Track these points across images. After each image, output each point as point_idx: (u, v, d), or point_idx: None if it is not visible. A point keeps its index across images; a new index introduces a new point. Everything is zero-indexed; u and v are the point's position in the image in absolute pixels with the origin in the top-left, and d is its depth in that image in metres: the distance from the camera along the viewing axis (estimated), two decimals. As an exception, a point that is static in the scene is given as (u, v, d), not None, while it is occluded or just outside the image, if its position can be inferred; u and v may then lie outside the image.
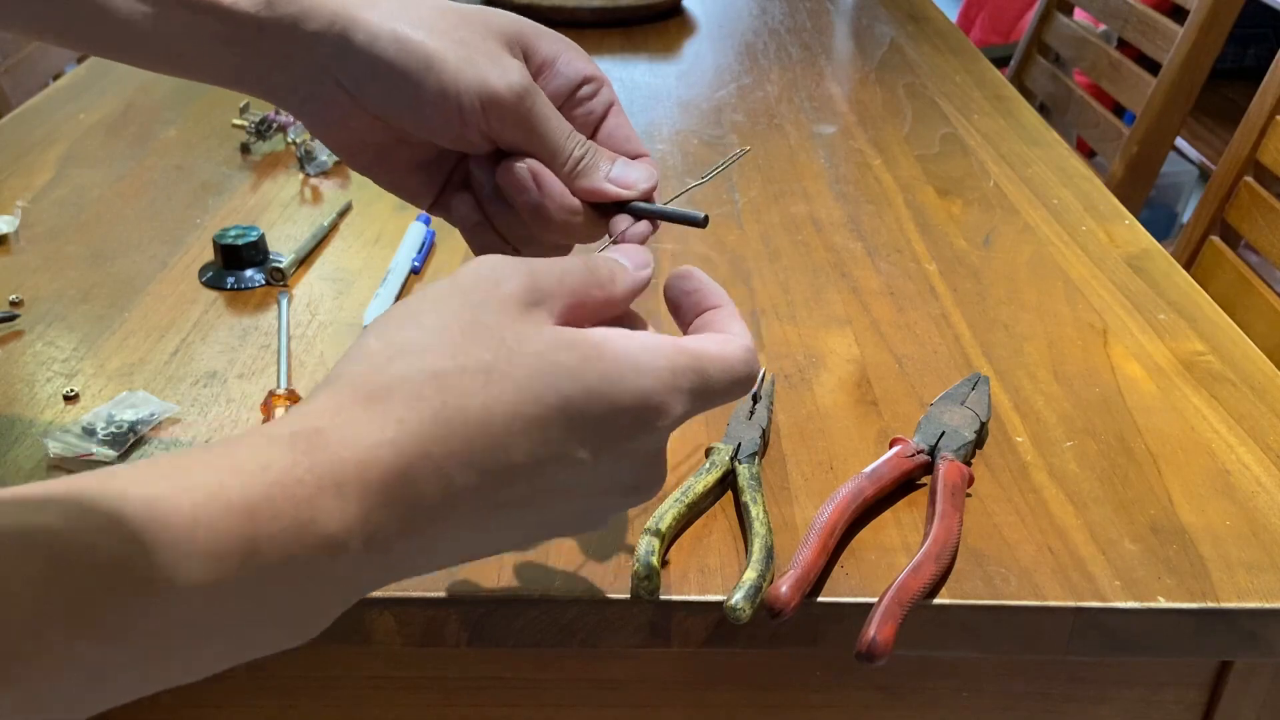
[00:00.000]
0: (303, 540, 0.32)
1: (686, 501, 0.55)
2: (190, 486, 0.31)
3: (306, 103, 0.49)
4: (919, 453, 0.59)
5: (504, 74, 0.47)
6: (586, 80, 0.51)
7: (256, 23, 0.47)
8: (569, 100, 0.51)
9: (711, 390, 0.39)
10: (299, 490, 0.32)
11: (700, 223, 0.49)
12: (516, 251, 0.52)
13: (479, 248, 0.53)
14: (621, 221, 0.49)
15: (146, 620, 0.30)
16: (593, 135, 0.51)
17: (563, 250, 0.52)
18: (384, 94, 0.47)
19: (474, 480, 0.35)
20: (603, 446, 0.37)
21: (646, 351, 0.38)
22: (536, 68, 0.50)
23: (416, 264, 0.81)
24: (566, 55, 0.51)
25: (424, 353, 0.36)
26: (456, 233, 0.87)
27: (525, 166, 0.48)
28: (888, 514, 0.57)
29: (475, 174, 0.51)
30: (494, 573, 0.53)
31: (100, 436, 0.62)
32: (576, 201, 0.49)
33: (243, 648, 0.33)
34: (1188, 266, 1.13)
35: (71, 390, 0.66)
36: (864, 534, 0.56)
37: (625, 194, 0.49)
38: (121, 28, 0.48)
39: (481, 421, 0.35)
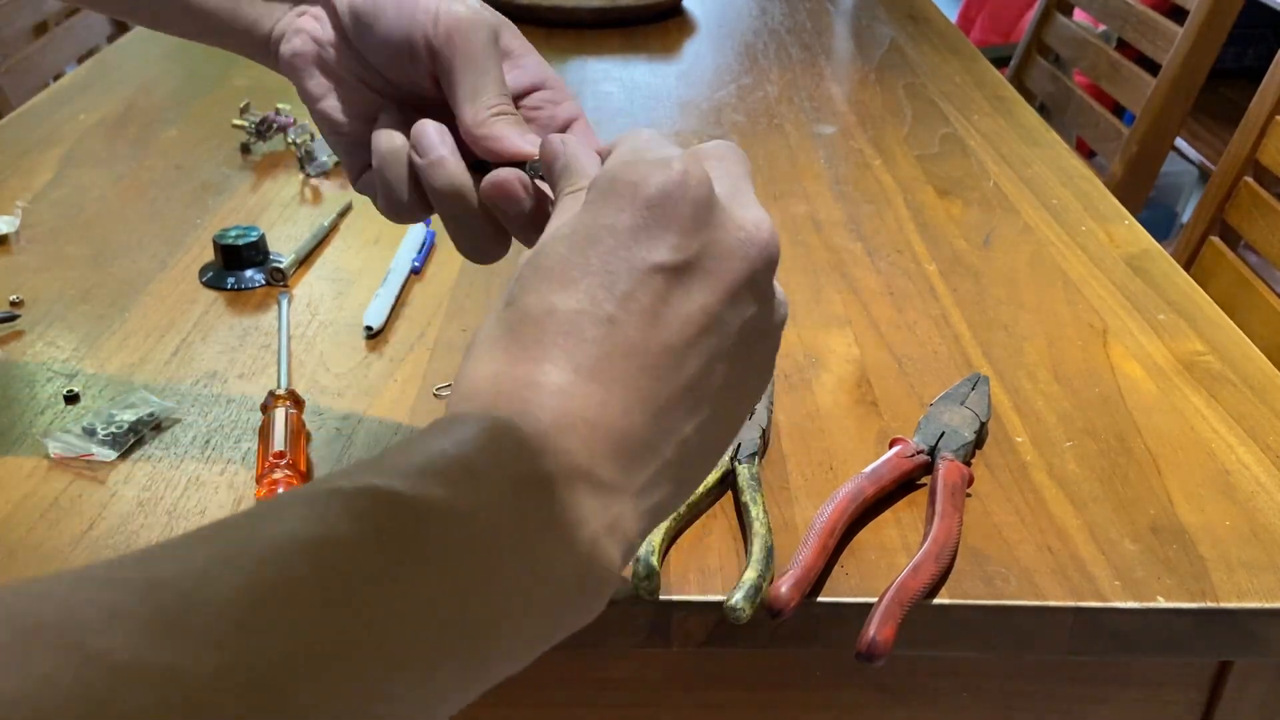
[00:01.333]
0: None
1: (686, 502, 0.55)
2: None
3: (297, 61, 0.51)
4: (919, 453, 0.59)
5: (477, 7, 0.47)
6: (547, 85, 0.50)
7: None
8: (526, 96, 0.50)
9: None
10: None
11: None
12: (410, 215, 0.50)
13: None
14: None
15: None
16: None
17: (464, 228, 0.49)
18: (365, 30, 0.48)
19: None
20: (669, 227, 0.36)
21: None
22: (501, 53, 0.49)
23: (416, 264, 0.81)
24: (534, 57, 0.50)
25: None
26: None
27: (508, 178, 0.46)
28: (888, 514, 0.58)
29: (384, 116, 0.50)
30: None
31: (100, 436, 0.62)
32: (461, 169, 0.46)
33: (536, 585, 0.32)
34: (1187, 267, 1.13)
35: (72, 390, 0.66)
36: (864, 534, 0.56)
37: (527, 148, 0.46)
38: None
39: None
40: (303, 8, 0.51)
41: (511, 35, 0.50)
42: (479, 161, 0.47)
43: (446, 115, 0.48)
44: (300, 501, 0.28)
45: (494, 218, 0.47)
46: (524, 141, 0.46)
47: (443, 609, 0.29)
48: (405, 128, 0.48)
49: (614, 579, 0.34)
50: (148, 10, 0.53)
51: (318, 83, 0.51)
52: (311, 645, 0.25)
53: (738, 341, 0.37)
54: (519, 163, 0.46)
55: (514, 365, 0.35)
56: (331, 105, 0.51)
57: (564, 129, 0.50)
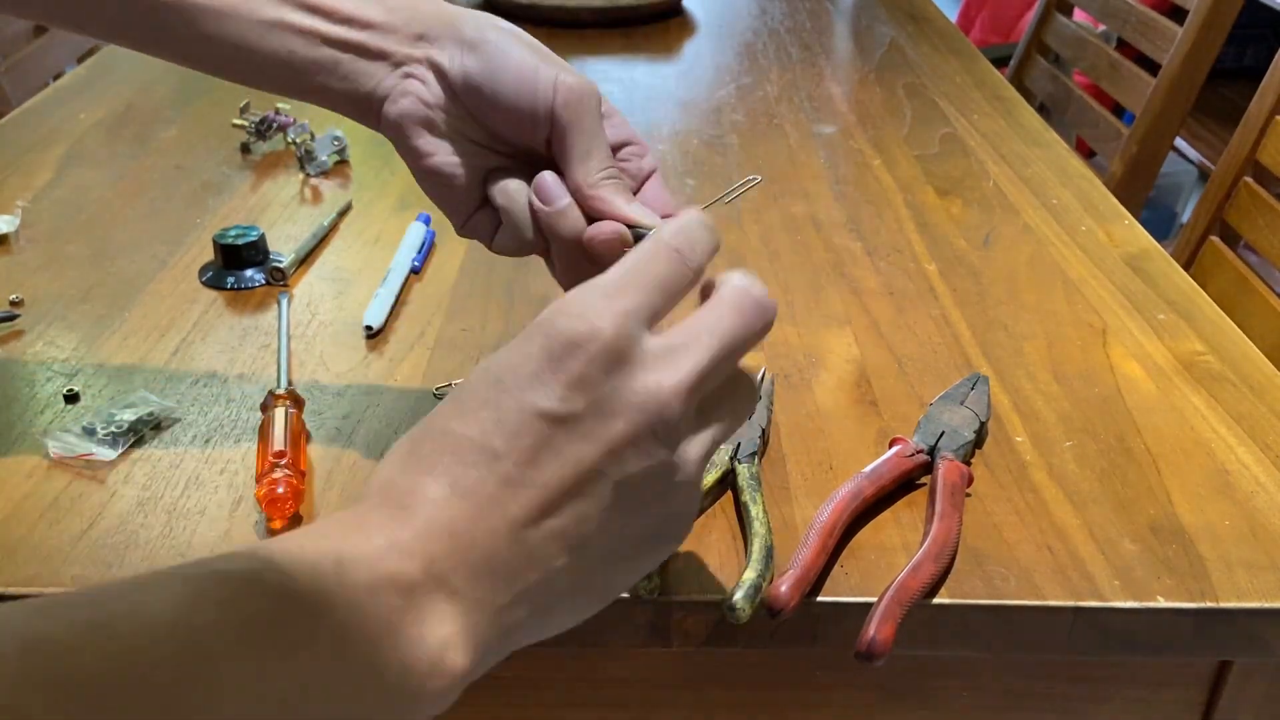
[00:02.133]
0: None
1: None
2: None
3: (404, 128, 0.54)
4: (918, 452, 0.59)
5: (574, 73, 0.52)
6: (630, 142, 0.55)
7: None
8: (616, 152, 0.54)
9: (642, 286, 0.40)
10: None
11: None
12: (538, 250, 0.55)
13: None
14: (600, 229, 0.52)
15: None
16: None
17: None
18: (482, 99, 0.52)
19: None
20: (568, 386, 0.38)
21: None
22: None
23: (416, 264, 0.81)
24: (620, 117, 0.55)
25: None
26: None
27: (614, 231, 0.51)
28: (887, 514, 0.58)
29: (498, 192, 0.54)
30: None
31: (100, 436, 0.62)
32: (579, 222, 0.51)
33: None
34: (1187, 267, 1.13)
35: (71, 390, 0.66)
36: (864, 534, 0.56)
37: (637, 218, 0.51)
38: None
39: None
40: (407, 69, 0.53)
41: (604, 99, 0.54)
42: None
43: (549, 165, 0.53)
44: (179, 580, 0.31)
45: (590, 255, 0.52)
46: (627, 207, 0.51)
47: (290, 699, 0.31)
48: (514, 176, 0.53)
49: (457, 685, 0.37)
50: (242, 67, 0.54)
51: (426, 141, 0.54)
52: None
53: (621, 496, 0.39)
54: None
55: (404, 474, 0.38)
56: (441, 162, 0.54)
57: (644, 181, 0.55)
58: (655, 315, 0.40)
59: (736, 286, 0.42)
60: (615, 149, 0.54)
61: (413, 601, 0.35)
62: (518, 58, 0.51)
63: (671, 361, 0.39)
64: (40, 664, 0.27)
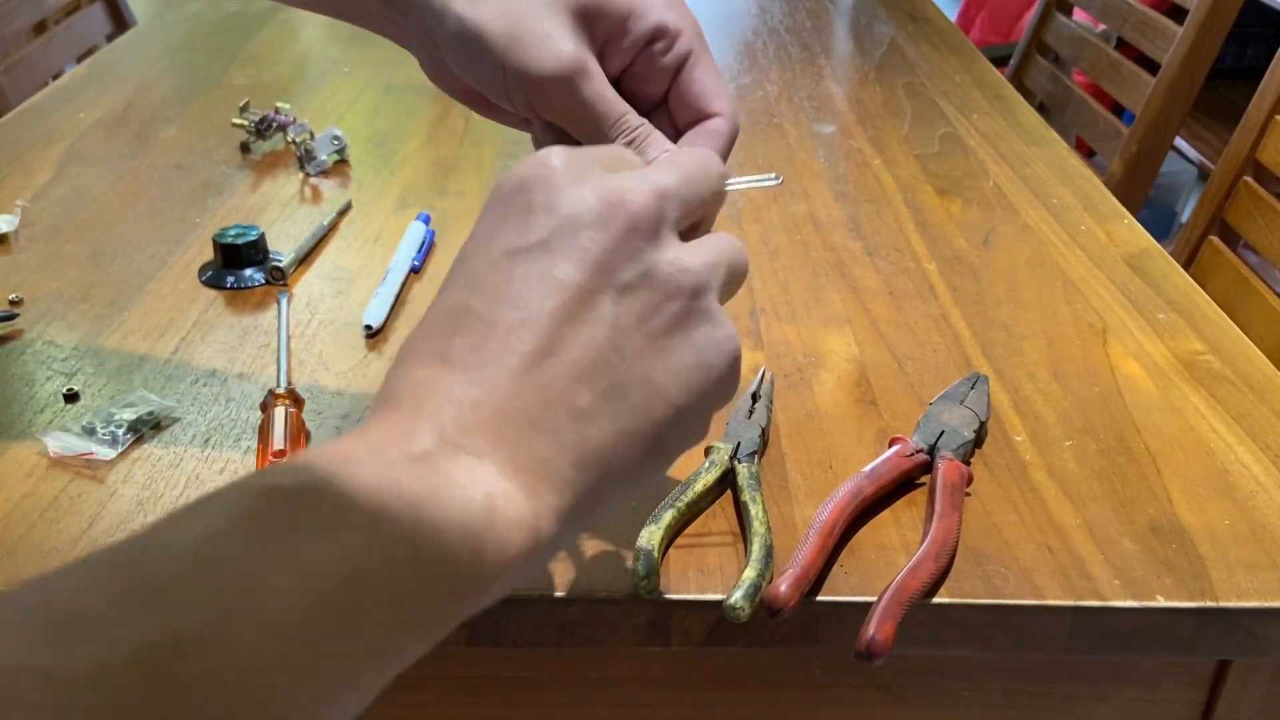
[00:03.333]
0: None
1: (686, 501, 0.55)
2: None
3: (420, 54, 0.52)
4: (918, 452, 0.59)
5: (550, 57, 0.47)
6: (659, 34, 0.49)
7: None
8: (644, 54, 0.50)
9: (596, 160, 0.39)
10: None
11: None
12: None
13: None
14: None
15: None
16: (670, 86, 0.50)
17: None
18: (458, 65, 0.49)
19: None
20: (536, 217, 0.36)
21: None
22: (607, 31, 0.49)
23: (416, 263, 0.81)
24: (639, 9, 0.49)
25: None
26: (456, 232, 0.87)
27: None
28: (887, 513, 0.58)
29: (536, 137, 0.52)
30: (494, 572, 0.53)
31: (100, 435, 0.62)
32: None
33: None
34: (1187, 266, 1.13)
35: (71, 389, 0.66)
36: (863, 533, 0.56)
37: None
38: None
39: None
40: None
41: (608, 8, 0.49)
42: None
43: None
44: (185, 509, 0.30)
45: None
46: None
47: (326, 578, 0.29)
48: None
49: (532, 537, 0.34)
50: None
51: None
52: (193, 624, 0.26)
53: (626, 313, 0.36)
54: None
55: (391, 378, 0.36)
56: (447, 89, 0.52)
57: (680, 68, 0.50)
58: (607, 165, 0.39)
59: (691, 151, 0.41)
60: (644, 46, 0.49)
61: (436, 467, 0.32)
62: (488, 65, 0.48)
63: (635, 175, 0.38)
64: (53, 619, 0.25)
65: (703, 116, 0.50)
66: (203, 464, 0.61)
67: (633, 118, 0.49)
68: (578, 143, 0.48)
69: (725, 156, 0.49)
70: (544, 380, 0.35)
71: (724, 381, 0.38)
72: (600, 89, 0.48)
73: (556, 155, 0.37)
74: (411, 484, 0.32)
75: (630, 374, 0.36)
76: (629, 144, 0.48)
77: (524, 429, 0.34)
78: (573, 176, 0.37)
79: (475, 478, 0.33)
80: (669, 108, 0.51)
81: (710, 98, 0.50)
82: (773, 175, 0.50)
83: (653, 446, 0.37)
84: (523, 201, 0.37)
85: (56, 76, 1.47)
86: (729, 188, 0.51)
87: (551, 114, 0.49)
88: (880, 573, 0.53)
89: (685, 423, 0.38)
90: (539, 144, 0.51)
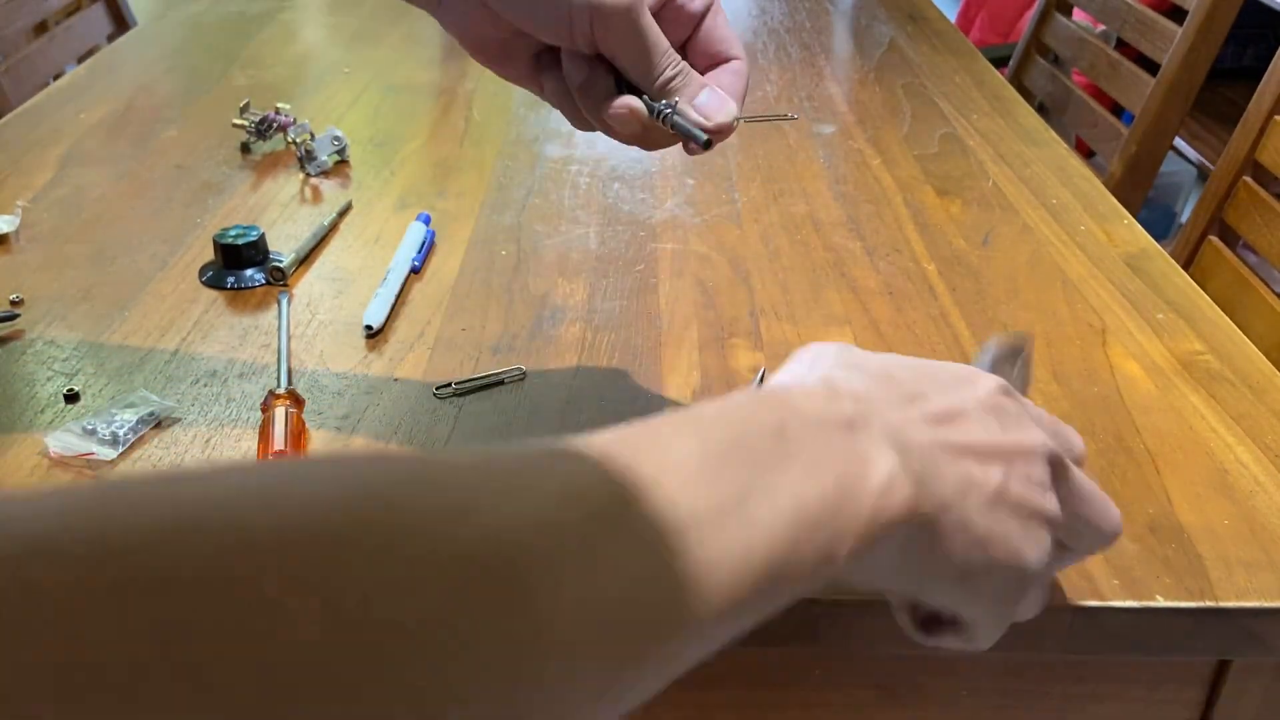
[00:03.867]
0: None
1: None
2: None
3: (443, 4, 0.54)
4: None
5: None
6: None
7: None
8: (673, 2, 0.53)
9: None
10: None
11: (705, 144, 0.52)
12: (592, 128, 0.56)
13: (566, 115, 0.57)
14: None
15: None
16: (691, 34, 0.55)
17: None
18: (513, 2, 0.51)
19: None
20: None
21: None
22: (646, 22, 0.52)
23: (416, 263, 0.81)
24: None
25: None
26: (456, 232, 0.88)
27: (624, 105, 0.52)
28: (887, 513, 0.58)
29: (569, 70, 0.54)
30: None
31: (100, 436, 0.62)
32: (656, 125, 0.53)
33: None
34: (1186, 266, 1.13)
35: (72, 390, 0.66)
36: (863, 533, 0.56)
37: (703, 123, 0.51)
38: None
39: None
40: None
41: None
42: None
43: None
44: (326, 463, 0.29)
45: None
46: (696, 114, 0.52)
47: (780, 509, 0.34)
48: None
49: (904, 517, 0.37)
50: None
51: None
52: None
53: (1003, 490, 0.41)
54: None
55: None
56: (469, 39, 0.54)
57: (699, 20, 0.54)
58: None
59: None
60: None
61: (855, 437, 0.37)
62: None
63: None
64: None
65: (719, 61, 0.55)
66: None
67: (674, 54, 0.52)
68: (615, 82, 0.52)
69: (743, 97, 0.54)
70: (939, 439, 0.40)
71: (1023, 581, 0.42)
72: (653, 22, 0.52)
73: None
74: (842, 445, 0.37)
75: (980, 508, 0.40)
76: (673, 76, 0.52)
77: (909, 446, 0.39)
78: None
79: (882, 455, 0.37)
80: (686, 52, 0.54)
81: (730, 44, 0.55)
82: (790, 114, 0.55)
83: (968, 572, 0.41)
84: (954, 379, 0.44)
85: (57, 77, 1.47)
86: (744, 121, 0.55)
87: (610, 45, 0.51)
88: (880, 572, 0.53)
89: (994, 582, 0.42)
90: (573, 80, 0.53)
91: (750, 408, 0.37)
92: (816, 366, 0.42)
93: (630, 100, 0.52)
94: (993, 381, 0.44)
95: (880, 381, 0.41)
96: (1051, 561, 0.43)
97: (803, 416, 0.37)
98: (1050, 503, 0.42)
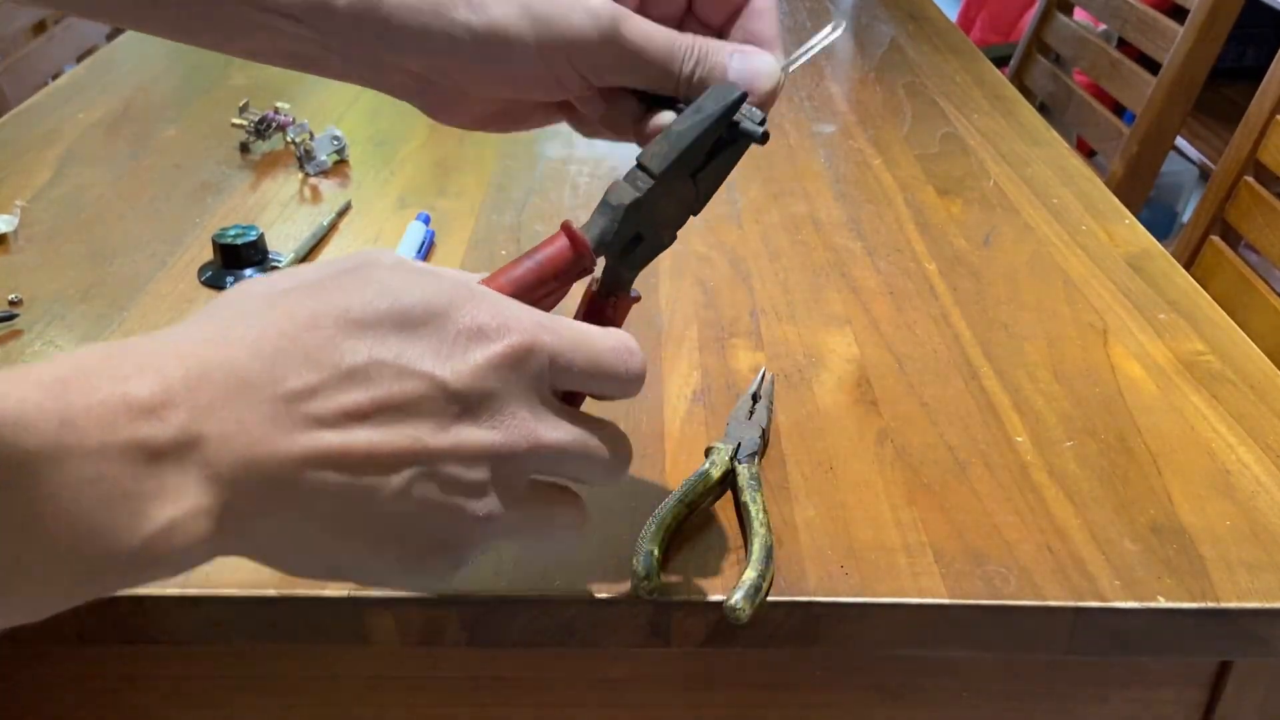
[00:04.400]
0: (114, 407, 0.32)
1: (686, 501, 0.55)
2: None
3: (420, 96, 0.49)
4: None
5: (587, 18, 0.45)
6: None
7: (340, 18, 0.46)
8: None
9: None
10: (112, 363, 0.33)
11: (758, 138, 0.46)
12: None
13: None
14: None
15: None
16: (728, 22, 0.49)
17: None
18: (483, 76, 0.47)
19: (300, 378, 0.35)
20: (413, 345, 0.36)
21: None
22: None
23: (416, 263, 0.81)
24: None
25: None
26: (456, 232, 0.87)
27: (658, 126, 0.47)
28: (887, 514, 0.57)
29: (586, 110, 0.50)
30: (492, 572, 0.53)
31: (99, 436, 0.61)
32: None
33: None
34: (1188, 266, 1.13)
35: (70, 390, 0.66)
36: (863, 534, 0.56)
37: (749, 92, 0.46)
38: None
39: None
40: None
41: None
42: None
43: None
44: None
45: None
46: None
47: None
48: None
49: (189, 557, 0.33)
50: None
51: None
52: None
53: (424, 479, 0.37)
54: None
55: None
56: (467, 121, 0.51)
57: (738, 11, 0.49)
58: (568, 373, 0.40)
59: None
60: None
61: (153, 470, 0.32)
62: (519, 58, 0.45)
63: (553, 420, 0.39)
64: None
65: (738, 5, 0.49)
66: (202, 464, 0.60)
67: (683, 41, 0.46)
68: (639, 100, 0.48)
69: (779, 36, 0.49)
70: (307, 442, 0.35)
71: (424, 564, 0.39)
72: (644, 27, 0.46)
73: (528, 322, 0.39)
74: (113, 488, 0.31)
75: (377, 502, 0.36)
76: (694, 68, 0.46)
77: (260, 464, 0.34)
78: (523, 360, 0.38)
79: (179, 498, 0.32)
80: (694, 9, 0.49)
81: (769, 45, 0.49)
82: (834, 26, 0.50)
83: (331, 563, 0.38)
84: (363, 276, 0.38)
85: (56, 76, 1.47)
86: (794, 68, 0.50)
87: (608, 75, 0.46)
88: (880, 573, 0.53)
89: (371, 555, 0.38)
90: (594, 116, 0.49)
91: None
92: (209, 326, 0.37)
93: (663, 117, 0.47)
94: (466, 317, 0.37)
95: (269, 361, 0.35)
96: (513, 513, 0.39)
97: (87, 444, 0.30)
98: (475, 506, 0.38)
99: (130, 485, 0.31)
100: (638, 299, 0.48)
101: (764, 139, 0.46)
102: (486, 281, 0.42)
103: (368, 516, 0.36)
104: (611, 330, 0.42)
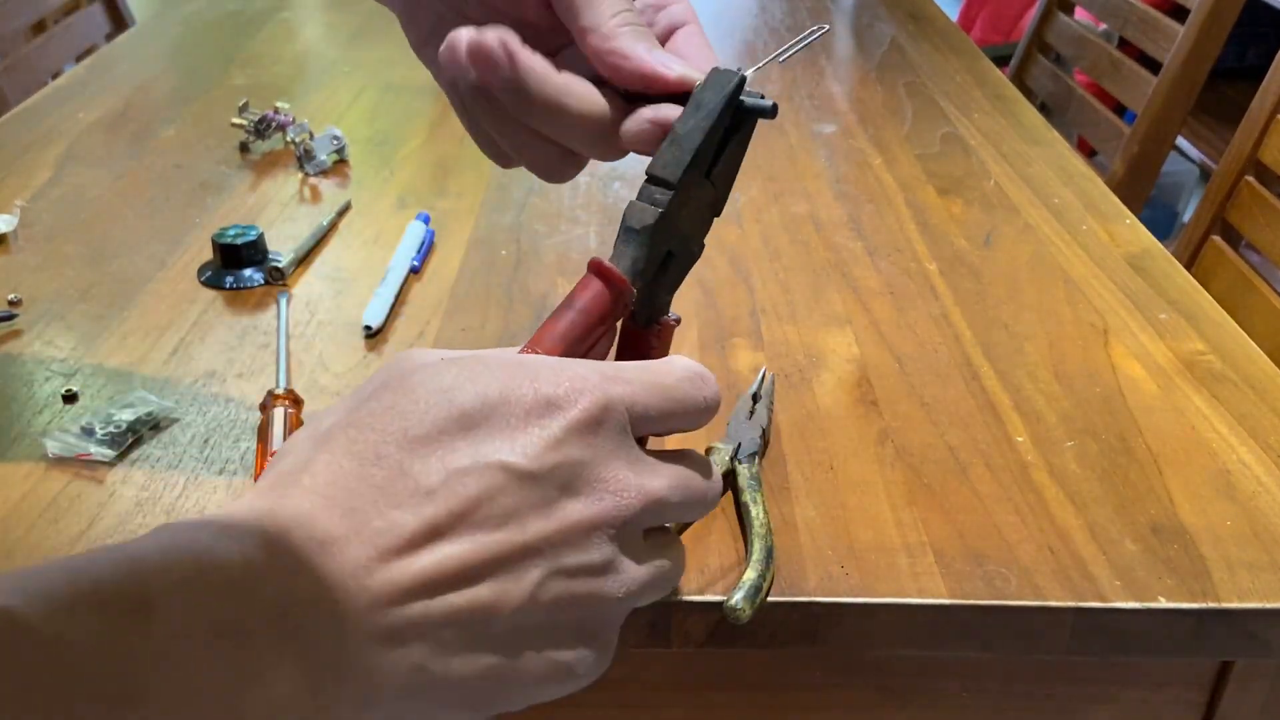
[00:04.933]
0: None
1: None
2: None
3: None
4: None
5: None
6: None
7: None
8: None
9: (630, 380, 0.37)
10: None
11: (769, 112, 0.43)
12: (507, 160, 0.48)
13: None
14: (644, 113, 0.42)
15: None
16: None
17: (562, 164, 0.45)
18: None
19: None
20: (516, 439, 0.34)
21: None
22: None
23: (415, 263, 0.81)
24: None
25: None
26: (456, 232, 0.87)
27: (642, 122, 0.42)
28: (888, 514, 0.57)
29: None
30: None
31: (99, 436, 0.61)
32: (582, 85, 0.42)
33: None
34: (1189, 266, 1.13)
35: (70, 390, 0.66)
36: (864, 535, 0.56)
37: (665, 73, 0.42)
38: None
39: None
40: None
41: None
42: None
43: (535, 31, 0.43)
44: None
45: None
46: (649, 55, 0.42)
47: None
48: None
49: None
50: None
51: None
52: None
53: (546, 586, 0.34)
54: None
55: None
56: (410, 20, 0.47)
57: (668, 36, 0.46)
58: (647, 418, 0.37)
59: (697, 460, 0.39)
60: None
61: (241, 648, 0.29)
62: None
63: (651, 467, 0.36)
64: None
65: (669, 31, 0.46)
66: (201, 465, 0.60)
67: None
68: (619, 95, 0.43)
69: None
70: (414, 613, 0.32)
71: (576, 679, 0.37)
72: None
73: (600, 391, 0.35)
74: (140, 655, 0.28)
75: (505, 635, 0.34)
76: (622, 27, 0.43)
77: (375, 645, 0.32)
78: (599, 434, 0.35)
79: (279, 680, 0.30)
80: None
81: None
82: (817, 28, 0.45)
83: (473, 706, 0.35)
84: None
85: (55, 76, 1.47)
86: (782, 59, 0.46)
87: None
88: (880, 573, 0.53)
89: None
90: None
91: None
92: (270, 479, 0.33)
93: (646, 113, 0.42)
94: (529, 394, 0.34)
95: (345, 509, 0.32)
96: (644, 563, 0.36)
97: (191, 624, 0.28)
98: (612, 585, 0.35)
99: (222, 670, 0.29)
100: (678, 322, 0.45)
101: (774, 111, 0.42)
102: (531, 346, 0.39)
103: (499, 636, 0.34)
104: (674, 360, 0.39)
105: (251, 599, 0.29)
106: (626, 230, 0.41)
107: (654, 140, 0.42)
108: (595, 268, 0.41)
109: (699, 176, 0.42)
